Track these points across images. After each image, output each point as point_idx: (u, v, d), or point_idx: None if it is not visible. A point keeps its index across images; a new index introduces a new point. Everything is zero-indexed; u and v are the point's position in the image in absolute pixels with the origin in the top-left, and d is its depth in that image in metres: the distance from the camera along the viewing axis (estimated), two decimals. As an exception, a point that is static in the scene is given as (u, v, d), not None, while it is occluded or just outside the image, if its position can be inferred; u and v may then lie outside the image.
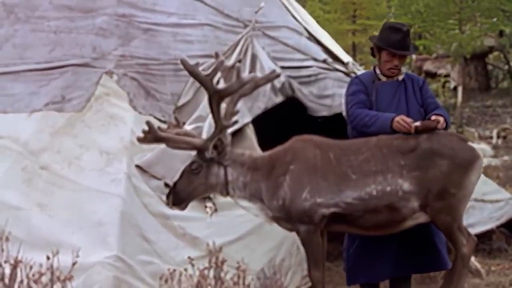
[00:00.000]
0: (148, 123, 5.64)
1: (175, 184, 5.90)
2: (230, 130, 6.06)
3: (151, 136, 5.65)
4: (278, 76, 6.41)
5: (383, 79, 6.07)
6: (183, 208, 5.91)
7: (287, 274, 6.31)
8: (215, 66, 5.78)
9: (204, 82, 5.61)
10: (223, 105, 5.94)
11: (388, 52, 5.96)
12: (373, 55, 6.28)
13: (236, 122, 5.99)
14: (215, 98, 5.60)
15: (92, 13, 7.27)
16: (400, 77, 6.09)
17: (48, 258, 4.67)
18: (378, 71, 6.11)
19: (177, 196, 5.81)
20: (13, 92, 6.86)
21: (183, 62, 5.63)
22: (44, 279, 4.62)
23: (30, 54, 7.10)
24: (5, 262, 4.72)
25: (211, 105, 5.65)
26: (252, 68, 6.23)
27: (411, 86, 6.10)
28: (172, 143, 5.81)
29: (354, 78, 6.48)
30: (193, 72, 5.65)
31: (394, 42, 5.95)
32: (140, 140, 5.76)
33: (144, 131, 5.66)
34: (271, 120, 7.51)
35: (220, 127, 5.71)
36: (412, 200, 5.65)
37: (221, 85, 6.07)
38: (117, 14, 7.26)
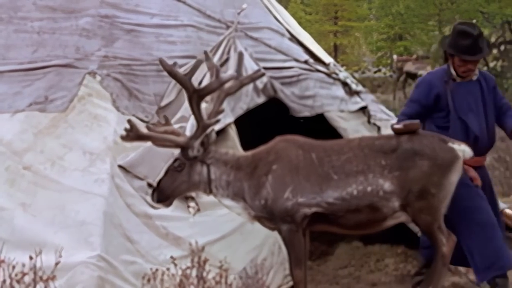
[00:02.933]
0: (129, 121, 5.69)
1: (159, 181, 5.95)
2: (213, 130, 6.09)
3: (133, 134, 5.69)
4: (262, 75, 6.46)
5: (458, 80, 6.20)
6: (167, 205, 5.97)
7: (269, 273, 6.33)
8: (193, 65, 5.81)
9: (183, 81, 5.65)
10: (204, 105, 5.99)
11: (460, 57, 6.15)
12: (446, 57, 6.45)
13: (218, 120, 6.03)
14: (195, 97, 5.65)
15: (75, 14, 7.26)
16: (474, 77, 6.15)
17: (31, 258, 4.65)
18: (453, 72, 6.25)
19: (161, 194, 5.88)
20: (-4, 93, 6.85)
21: (162, 62, 5.67)
22: (27, 279, 4.59)
23: (13, 55, 7.08)
24: (-12, 262, 4.70)
25: (191, 104, 5.70)
26: (238, 69, 6.26)
27: (485, 85, 6.19)
28: (155, 141, 5.85)
29: (423, 78, 6.62)
30: (171, 72, 5.69)
31: (464, 48, 6.08)
32: (123, 138, 5.79)
33: (126, 129, 5.70)
34: (254, 120, 7.55)
35: (202, 126, 5.75)
36: (392, 200, 5.71)
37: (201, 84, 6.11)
38: (100, 15, 7.26)
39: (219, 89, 5.97)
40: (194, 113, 5.76)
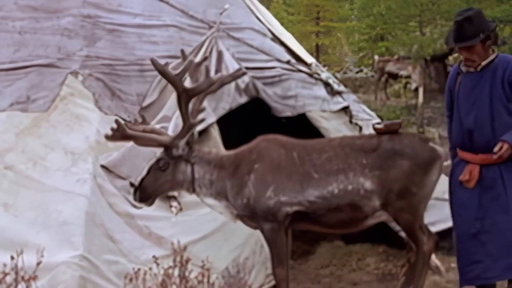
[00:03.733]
0: (116, 121, 5.69)
1: (141, 180, 5.95)
2: (196, 130, 6.11)
3: (119, 134, 5.70)
4: (244, 74, 6.48)
5: (464, 71, 5.62)
6: (149, 204, 5.98)
7: (251, 273, 6.35)
8: (184, 65, 5.81)
9: (173, 81, 5.66)
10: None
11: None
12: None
13: (203, 120, 6.05)
14: (184, 97, 5.66)
15: (57, 14, 7.24)
16: (479, 68, 5.42)
17: (12, 258, 4.63)
18: (462, 64, 5.75)
19: (144, 193, 5.89)
20: (-22, 93, 6.82)
21: (153, 61, 5.68)
22: (9, 279, 4.58)
23: (-5, 54, 7.07)
24: (-31, 262, 4.68)
25: (180, 104, 5.71)
26: (218, 68, 6.27)
27: (500, 75, 5.33)
28: (140, 141, 5.86)
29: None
30: (162, 71, 5.70)
31: (452, 35, 5.56)
32: (109, 137, 5.79)
33: (112, 129, 5.70)
34: (236, 120, 7.56)
35: (188, 126, 5.77)
36: (373, 199, 5.75)
37: (190, 84, 6.11)
38: (82, 15, 7.24)
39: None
40: (182, 112, 5.77)
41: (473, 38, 5.30)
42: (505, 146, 5.17)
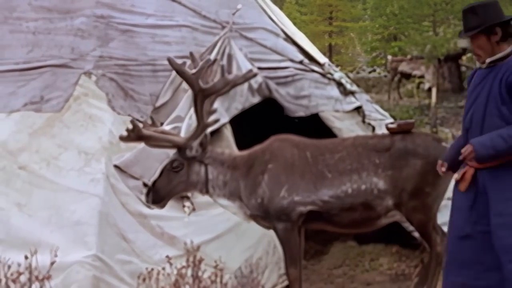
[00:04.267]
0: (132, 121, 5.71)
1: (154, 182, 5.96)
2: (208, 130, 6.11)
3: (134, 134, 5.71)
4: (255, 75, 6.48)
5: (478, 66, 5.19)
6: (162, 206, 5.99)
7: (264, 273, 6.35)
8: (201, 65, 5.81)
9: (190, 80, 5.67)
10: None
11: None
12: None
13: (217, 120, 6.05)
14: (200, 96, 5.67)
15: (71, 14, 7.26)
16: (485, 65, 4.97)
17: (26, 257, 4.65)
18: None
19: (157, 194, 5.90)
20: (-8, 92, 6.86)
21: (170, 60, 5.70)
22: (23, 278, 4.59)
23: (9, 55, 7.07)
24: (-17, 262, 4.70)
25: (195, 104, 5.71)
26: (229, 68, 6.27)
27: (501, 76, 4.82)
28: (154, 142, 5.87)
29: None
30: (180, 70, 5.71)
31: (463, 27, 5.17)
32: (124, 138, 5.81)
33: (128, 130, 5.71)
34: (249, 120, 7.56)
35: (202, 126, 5.77)
36: (386, 199, 5.74)
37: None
38: (96, 15, 7.26)
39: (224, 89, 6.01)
40: (197, 112, 5.78)
41: (473, 28, 4.90)
42: (469, 148, 4.75)
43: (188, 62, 6.42)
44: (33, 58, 7.02)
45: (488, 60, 4.89)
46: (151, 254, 6.13)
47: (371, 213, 5.83)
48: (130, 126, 5.78)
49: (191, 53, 6.52)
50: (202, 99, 5.71)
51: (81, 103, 6.75)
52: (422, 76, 23.56)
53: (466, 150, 4.73)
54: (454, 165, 4.94)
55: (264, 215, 5.88)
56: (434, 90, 21.17)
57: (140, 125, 6.04)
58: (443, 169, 5.00)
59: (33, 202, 6.14)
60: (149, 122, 6.24)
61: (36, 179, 6.26)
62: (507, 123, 4.65)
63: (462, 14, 4.99)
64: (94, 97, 6.80)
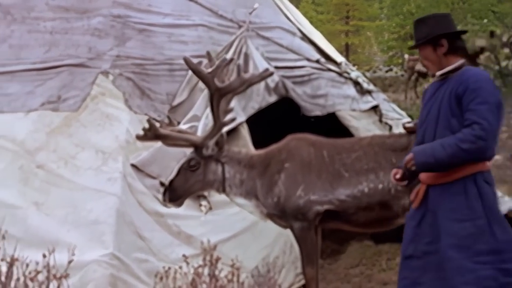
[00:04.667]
0: (149, 121, 5.72)
1: (171, 181, 5.97)
2: (225, 129, 6.11)
3: (151, 133, 5.73)
4: (271, 74, 6.47)
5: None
6: (179, 204, 6.00)
7: (281, 272, 6.35)
8: (217, 64, 5.81)
9: (206, 79, 5.67)
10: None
11: None
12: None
13: (234, 119, 6.05)
14: (216, 95, 5.68)
15: (88, 14, 7.30)
16: (436, 78, 4.81)
17: (44, 256, 4.67)
18: None
19: (174, 193, 5.90)
20: (10, 92, 6.89)
21: (186, 60, 5.70)
22: (41, 277, 4.61)
23: (26, 55, 7.13)
24: (2, 260, 4.70)
25: (212, 103, 5.72)
26: (246, 68, 6.27)
27: (450, 88, 4.61)
28: (171, 141, 5.88)
29: None
30: (195, 70, 5.72)
31: None
32: (140, 137, 5.82)
33: (144, 129, 5.73)
34: (265, 119, 7.56)
35: (218, 125, 5.78)
36: (404, 198, 5.70)
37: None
38: (112, 15, 7.29)
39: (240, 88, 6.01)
40: (213, 111, 5.78)
41: (420, 40, 4.81)
42: (410, 155, 4.63)
43: (205, 61, 6.43)
44: (51, 58, 7.07)
45: (438, 73, 4.77)
46: (167, 252, 6.14)
47: (388, 212, 5.80)
48: (147, 125, 5.79)
49: (207, 53, 6.53)
50: (218, 98, 5.71)
51: (98, 102, 6.78)
52: (439, 75, 23.47)
53: (408, 157, 4.65)
54: (409, 174, 4.82)
55: (280, 214, 5.87)
56: (451, 89, 21.07)
57: (157, 124, 6.05)
58: (398, 176, 4.90)
59: (50, 201, 6.18)
60: (166, 121, 6.25)
61: (53, 178, 6.30)
62: None
63: (414, 24, 4.93)
64: (111, 96, 6.83)
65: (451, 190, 4.52)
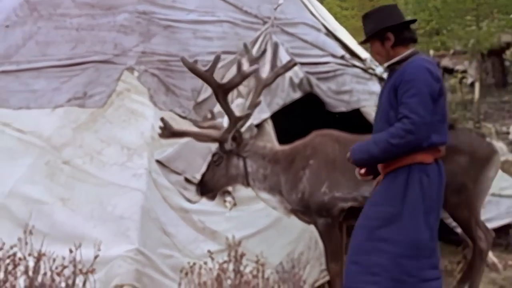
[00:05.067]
0: (162, 119, 5.74)
1: (202, 175, 6.01)
2: (247, 124, 6.12)
3: (167, 131, 5.74)
4: (295, 64, 6.47)
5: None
6: (211, 198, 6.06)
7: (306, 268, 6.34)
8: (212, 61, 5.77)
9: (205, 78, 5.68)
10: (240, 100, 6.02)
11: None
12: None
13: (249, 114, 6.05)
14: (220, 92, 5.69)
15: (113, 11, 7.35)
16: (381, 71, 5.04)
17: (70, 251, 4.70)
18: None
19: (204, 187, 5.96)
20: (36, 88, 6.94)
21: (183, 60, 5.72)
22: (67, 271, 4.66)
23: (53, 51, 7.18)
24: (29, 255, 4.75)
25: (218, 99, 5.74)
26: (275, 60, 6.28)
27: (392, 81, 4.64)
28: (192, 137, 5.91)
29: None
30: (192, 69, 5.72)
31: None
32: (160, 135, 5.85)
33: (160, 127, 5.75)
34: (290, 115, 7.56)
35: (234, 120, 5.79)
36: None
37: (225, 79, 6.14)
38: (138, 11, 7.33)
39: (258, 82, 6.01)
40: (222, 107, 5.80)
41: (368, 34, 4.83)
42: (349, 152, 4.72)
43: (229, 57, 6.42)
44: (77, 54, 7.11)
45: (384, 65, 4.81)
46: (192, 248, 6.16)
47: (413, 209, 5.79)
48: (172, 120, 5.82)
49: (245, 44, 6.50)
50: (222, 95, 5.71)
51: (124, 98, 6.81)
52: (465, 71, 23.36)
53: (347, 154, 4.73)
54: (373, 168, 4.82)
55: (304, 210, 5.87)
56: (477, 85, 20.97)
57: (182, 120, 6.06)
58: (362, 171, 4.89)
59: (76, 197, 6.21)
60: (209, 116, 6.26)
61: (79, 173, 6.34)
62: None
63: (361, 19, 4.94)
64: (136, 92, 6.86)
65: (385, 179, 4.62)
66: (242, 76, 5.78)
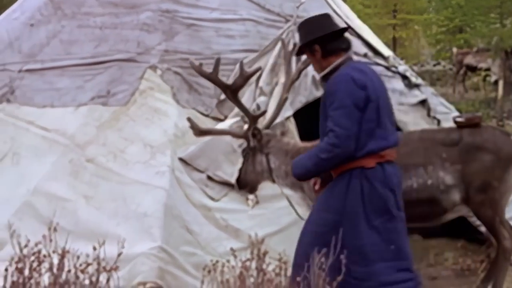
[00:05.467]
0: (189, 119, 5.76)
1: (239, 170, 6.06)
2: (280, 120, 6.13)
3: (195, 131, 5.78)
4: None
5: None
6: (250, 191, 6.09)
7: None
8: (215, 63, 5.76)
9: (213, 80, 5.70)
10: (263, 98, 6.03)
11: None
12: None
13: (264, 112, 6.06)
14: (229, 93, 5.71)
15: (136, 9, 7.38)
16: (318, 77, 4.84)
17: (94, 248, 4.73)
18: None
19: (240, 182, 5.99)
20: (60, 87, 7.01)
21: (191, 63, 5.75)
22: (91, 269, 4.68)
23: (76, 50, 7.24)
24: (53, 252, 4.78)
25: (230, 100, 5.77)
26: (297, 61, 6.26)
27: (323, 93, 4.68)
28: (215, 135, 5.95)
29: None
30: (200, 72, 5.75)
31: None
32: (194, 134, 5.90)
33: (189, 126, 5.79)
34: (312, 113, 7.54)
35: (251, 118, 5.80)
36: (453, 193, 5.67)
37: (230, 80, 6.17)
38: (161, 10, 7.36)
39: (287, 78, 6.03)
40: (237, 106, 5.83)
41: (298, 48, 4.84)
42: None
43: (250, 56, 6.42)
44: (100, 53, 7.16)
45: (317, 78, 4.84)
46: (215, 246, 6.17)
47: (436, 208, 5.76)
48: (195, 118, 5.84)
49: (282, 40, 6.50)
50: (232, 94, 5.73)
51: (147, 96, 6.84)
52: (488, 69, 23.18)
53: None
54: (327, 179, 4.79)
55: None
56: (500, 83, 20.81)
57: (205, 118, 6.08)
58: (317, 186, 4.89)
59: (100, 194, 6.26)
60: (258, 111, 6.26)
61: (103, 171, 6.38)
62: None
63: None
64: (159, 90, 6.88)
65: (329, 185, 4.64)
66: (244, 77, 5.80)
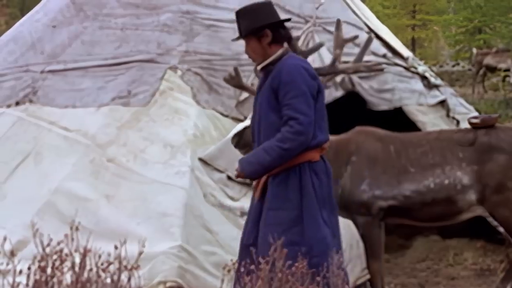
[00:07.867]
0: (236, 69, 5.99)
1: None
2: None
3: (234, 81, 5.98)
4: (321, 45, 6.47)
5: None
6: None
7: (347, 266, 6.35)
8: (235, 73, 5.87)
9: (227, 82, 5.80)
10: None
11: None
12: None
13: None
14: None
15: (157, 10, 7.44)
16: (261, 67, 4.72)
17: (116, 247, 4.77)
18: None
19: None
20: (82, 87, 7.07)
21: (234, 72, 5.86)
22: (112, 268, 4.73)
23: (98, 51, 7.30)
24: (75, 251, 4.83)
25: None
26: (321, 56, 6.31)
27: (269, 82, 4.57)
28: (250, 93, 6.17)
29: None
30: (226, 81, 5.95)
31: None
32: (226, 79, 6.09)
33: (231, 75, 6.00)
34: (332, 114, 7.56)
35: None
36: (469, 194, 5.68)
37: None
38: (181, 11, 7.41)
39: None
40: None
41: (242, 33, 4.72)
42: (239, 167, 4.59)
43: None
44: (121, 54, 7.22)
45: (259, 67, 4.73)
46: (235, 245, 6.18)
47: (453, 208, 5.78)
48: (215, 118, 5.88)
49: (338, 20, 6.51)
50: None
51: (167, 97, 6.89)
52: (508, 69, 23.07)
53: (236, 169, 4.63)
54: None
55: (342, 206, 5.87)
56: (520, 84, 20.72)
57: (224, 119, 6.12)
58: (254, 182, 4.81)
59: (120, 194, 6.30)
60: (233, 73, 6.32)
61: (123, 171, 6.42)
62: (278, 132, 4.42)
63: (235, 16, 4.83)
64: (179, 91, 6.93)
65: (276, 181, 4.52)
66: (235, 82, 5.88)
